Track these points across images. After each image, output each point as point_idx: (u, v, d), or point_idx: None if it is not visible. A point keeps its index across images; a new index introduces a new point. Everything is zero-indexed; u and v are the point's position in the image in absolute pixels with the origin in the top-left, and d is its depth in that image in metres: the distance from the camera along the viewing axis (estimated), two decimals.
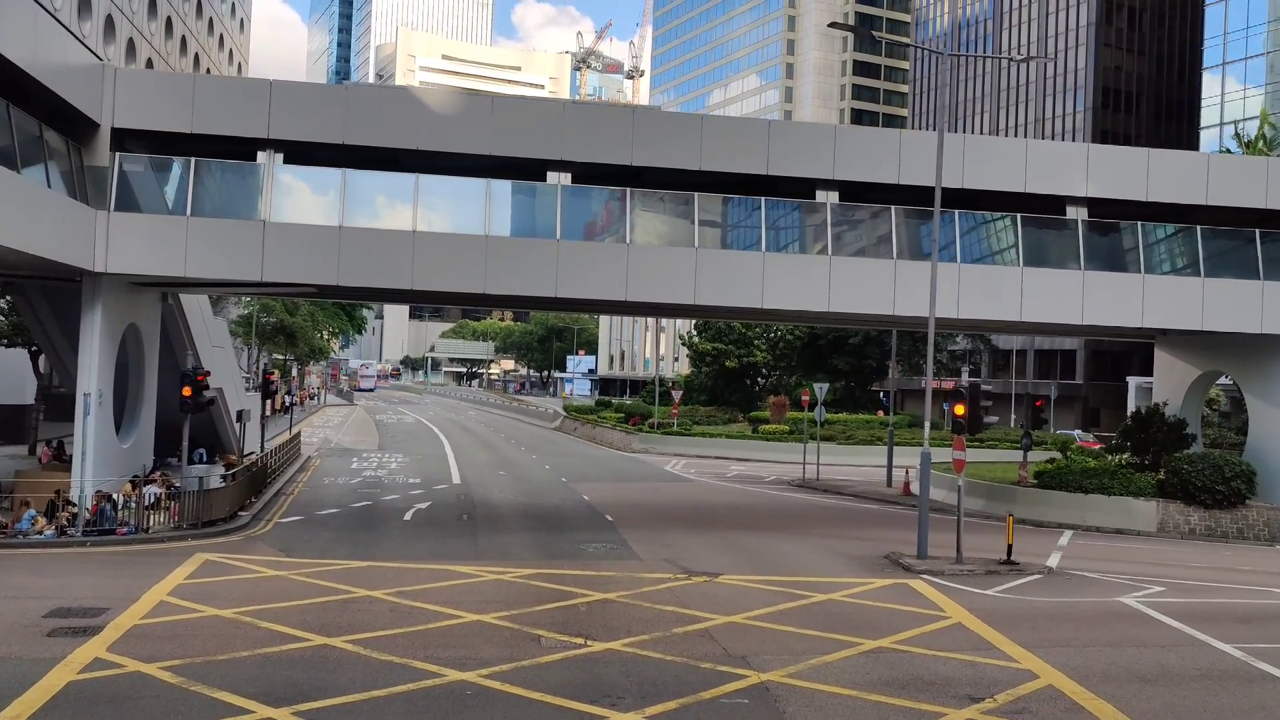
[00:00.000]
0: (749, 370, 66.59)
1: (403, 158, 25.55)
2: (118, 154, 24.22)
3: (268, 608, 16.71)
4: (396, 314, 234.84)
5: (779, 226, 27.76)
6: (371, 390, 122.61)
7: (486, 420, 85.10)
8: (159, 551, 21.46)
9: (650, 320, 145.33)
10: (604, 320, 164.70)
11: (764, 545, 24.76)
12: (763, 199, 27.18)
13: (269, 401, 62.62)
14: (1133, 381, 79.53)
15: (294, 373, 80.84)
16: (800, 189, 27.54)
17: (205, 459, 37.84)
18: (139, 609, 16.27)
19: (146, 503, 24.81)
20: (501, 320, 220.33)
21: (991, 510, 32.18)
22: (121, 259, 23.89)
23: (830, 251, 27.24)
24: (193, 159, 24.65)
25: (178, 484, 28.38)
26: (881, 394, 72.22)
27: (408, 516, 27.92)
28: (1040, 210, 28.47)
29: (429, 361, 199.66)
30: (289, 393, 77.86)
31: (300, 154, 25.23)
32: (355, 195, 25.36)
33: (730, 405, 66.22)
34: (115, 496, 23.38)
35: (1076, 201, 28.47)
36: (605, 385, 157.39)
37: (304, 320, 77.21)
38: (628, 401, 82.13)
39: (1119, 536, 28.55)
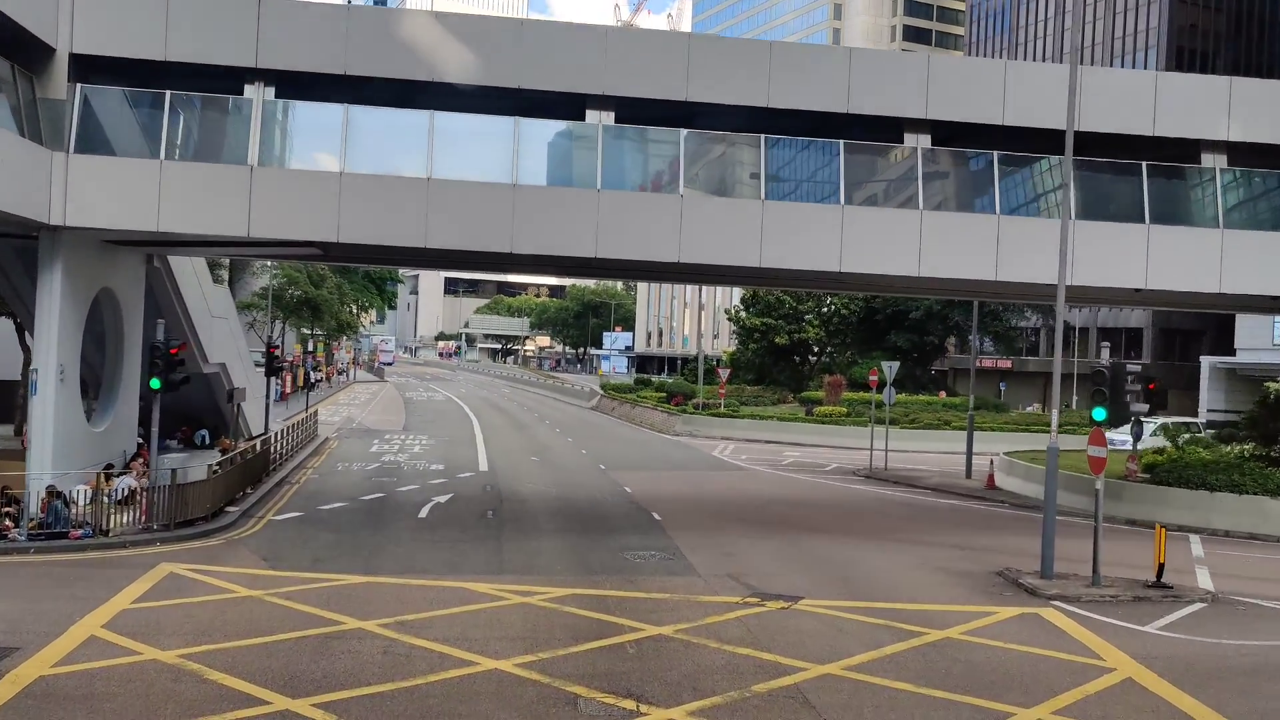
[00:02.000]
0: (799, 347, 62.16)
1: (416, 92, 21.56)
2: (78, 86, 20.43)
3: (226, 648, 12.91)
4: (431, 290, 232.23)
5: (858, 177, 23.46)
6: (390, 364, 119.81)
7: (520, 399, 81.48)
8: (115, 561, 17.77)
9: (690, 295, 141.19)
10: (641, 296, 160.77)
11: (844, 555, 20.66)
12: (840, 142, 22.91)
13: (277, 379, 59.38)
14: (1207, 362, 74.15)
15: (317, 349, 77.54)
16: (884, 131, 23.25)
17: (207, 442, 34.41)
18: (57, 649, 12.53)
19: (118, 497, 21.23)
20: (537, 296, 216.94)
21: (1093, 508, 27.77)
22: (83, 210, 20.13)
23: (921, 206, 22.93)
24: (167, 92, 20.81)
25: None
26: (933, 372, 67.79)
27: (423, 513, 24.11)
28: (1170, 158, 23.96)
29: (463, 338, 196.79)
30: (314, 368, 74.61)
31: (295, 87, 21.33)
32: (359, 136, 21.41)
33: (779, 385, 61.93)
34: (74, 491, 19.73)
35: (1214, 147, 23.91)
36: (642, 362, 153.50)
37: (330, 293, 73.75)
38: (668, 380, 78.08)
39: (1254, 544, 24.13)
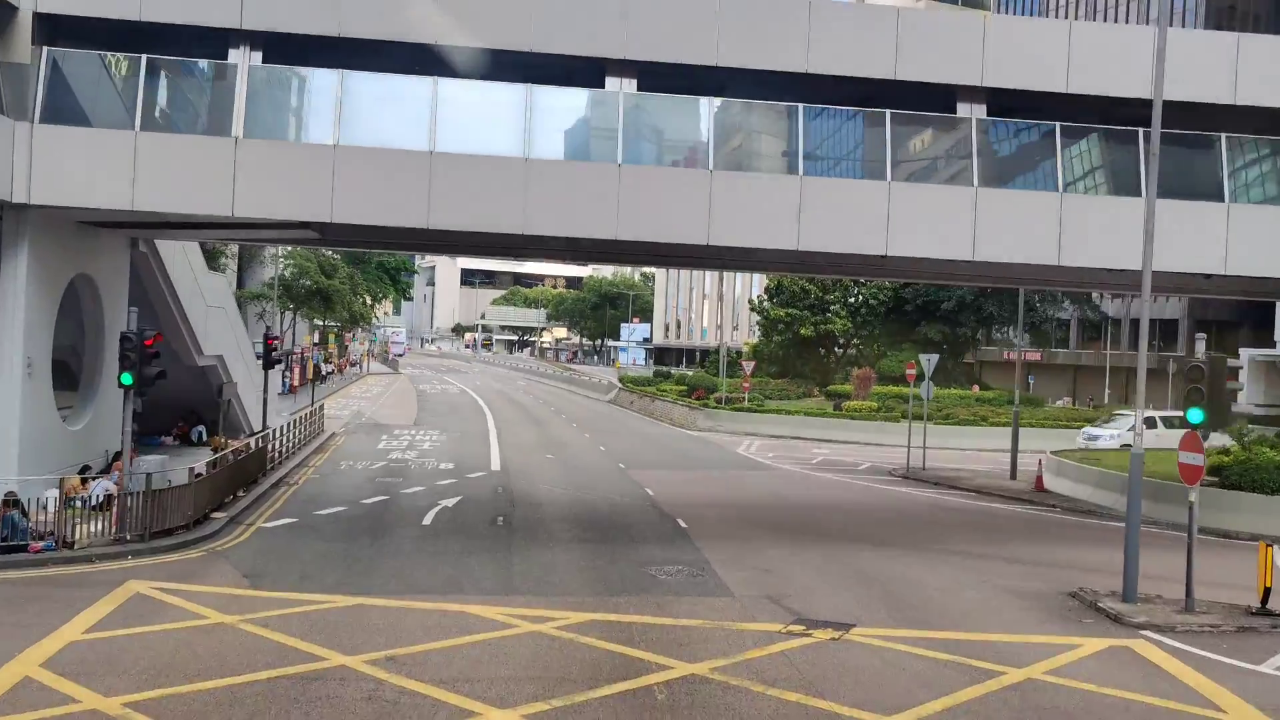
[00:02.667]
0: (825, 339, 59.84)
1: (418, 57, 19.52)
2: (44, 49, 18.48)
3: (184, 692, 10.94)
4: (448, 282, 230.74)
5: (906, 151, 21.27)
6: (401, 356, 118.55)
7: (536, 392, 79.55)
8: (77, 579, 15.84)
9: (709, 286, 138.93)
10: (659, 287, 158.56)
11: (893, 570, 18.53)
12: (887, 112, 20.71)
13: (285, 371, 57.62)
14: (1247, 354, 71.39)
15: (328, 340, 75.79)
16: (935, 100, 21.05)
17: (204, 438, 32.58)
18: None
19: (94, 502, 19.35)
20: (554, 288, 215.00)
21: (1159, 515, 25.56)
22: (50, 186, 18.22)
23: (976, 182, 20.72)
24: (144, 56, 18.82)
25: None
26: (964, 365, 65.26)
27: (428, 520, 22.11)
28: (1255, 130, 21.67)
29: (479, 329, 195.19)
30: (325, 360, 72.90)
31: (284, 51, 19.33)
32: (356, 105, 19.41)
33: (803, 378, 59.73)
34: (40, 498, 17.82)
35: None
36: (660, 354, 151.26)
37: (341, 284, 71.96)
38: (689, 373, 75.96)
39: None
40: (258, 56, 19.16)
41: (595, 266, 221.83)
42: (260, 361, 38.79)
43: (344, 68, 19.19)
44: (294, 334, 69.36)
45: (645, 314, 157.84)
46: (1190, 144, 21.49)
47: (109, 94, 19.03)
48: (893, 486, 31.09)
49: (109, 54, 19.06)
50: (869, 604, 15.91)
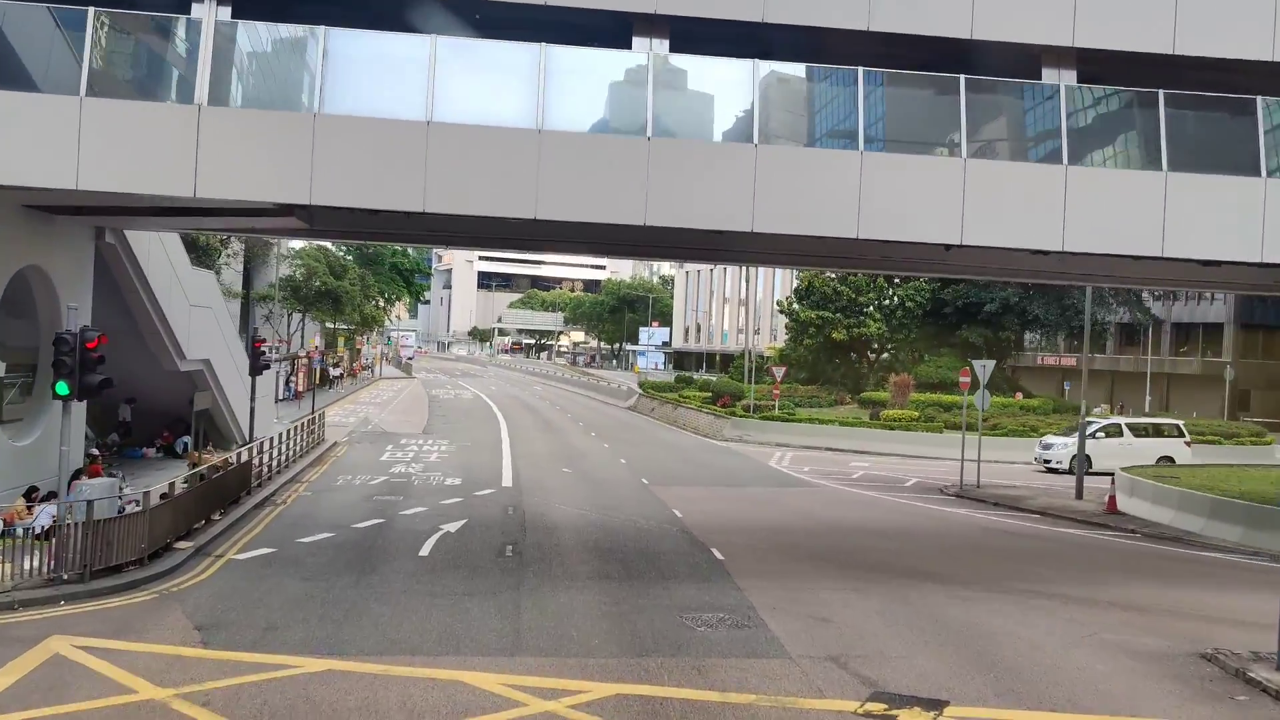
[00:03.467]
0: (858, 343, 56.61)
1: (412, 11, 16.72)
2: None
3: None
4: (464, 285, 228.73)
5: (982, 122, 18.27)
6: (410, 359, 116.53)
7: (553, 397, 76.74)
8: None
9: (730, 288, 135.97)
10: (679, 289, 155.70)
11: (974, 618, 15.50)
12: (961, 78, 17.70)
13: (288, 375, 55.01)
14: None
15: (337, 343, 73.21)
16: (1014, 63, 18.04)
17: (190, 449, 29.88)
18: None
19: (36, 531, 16.57)
20: (571, 291, 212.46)
21: (1257, 543, 22.46)
22: None
23: (1065, 160, 17.68)
24: (90, 9, 16.04)
25: (126, 490, 20.33)
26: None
27: (425, 549, 19.22)
28: None
29: (496, 333, 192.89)
30: (334, 364, 70.42)
31: (256, 4, 16.52)
32: (339, 67, 16.54)
33: (834, 384, 56.59)
34: None
35: None
36: (680, 359, 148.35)
37: (352, 285, 69.38)
38: (712, 378, 73.02)
39: None
40: (226, 11, 16.35)
41: (613, 270, 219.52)
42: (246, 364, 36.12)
43: (325, 22, 16.36)
44: (302, 336, 66.86)
45: (664, 317, 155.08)
46: None
47: (48, 52, 16.25)
48: (947, 507, 27.99)
49: (48, 4, 16.26)
50: (959, 669, 12.89)
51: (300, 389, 53.70)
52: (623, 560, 18.92)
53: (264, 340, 27.42)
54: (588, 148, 16.78)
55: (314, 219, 20.83)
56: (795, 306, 57.28)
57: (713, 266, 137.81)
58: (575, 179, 16.70)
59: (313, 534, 20.32)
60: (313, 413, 39.06)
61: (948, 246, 18.44)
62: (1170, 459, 36.07)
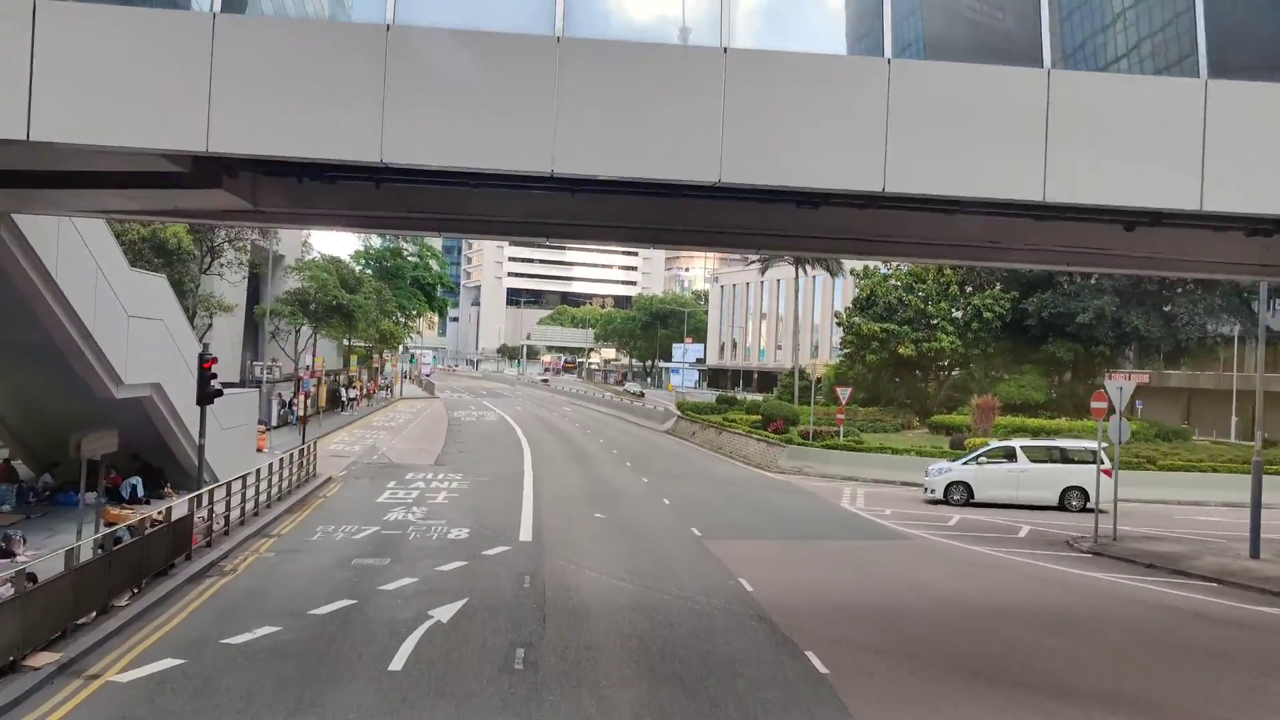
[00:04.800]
0: (927, 360, 50.38)
1: None
2: None
3: None
4: (493, 302, 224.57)
5: (1235, 31, 12.32)
6: (428, 376, 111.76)
7: (583, 419, 71.06)
8: None
9: (769, 303, 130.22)
10: (714, 303, 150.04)
11: None
12: None
13: (290, 399, 49.57)
14: None
15: (353, 362, 67.96)
16: None
17: (139, 494, 24.44)
18: None
19: None
20: (602, 307, 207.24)
21: None
22: None
23: None
24: None
25: (21, 557, 14.96)
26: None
27: (399, 659, 13.39)
28: None
29: (525, 350, 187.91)
30: (347, 384, 65.19)
31: None
32: None
33: (899, 405, 50.44)
34: None
35: None
36: (715, 376, 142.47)
37: (366, 299, 64.09)
38: (754, 398, 67.01)
39: None
40: None
41: (644, 286, 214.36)
42: (235, 390, 30.71)
43: None
44: (313, 355, 61.68)
45: (698, 333, 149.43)
46: None
47: None
48: (1088, 570, 21.80)
49: None
50: None
51: (304, 414, 48.28)
52: (682, 679, 13.02)
53: (213, 360, 21.79)
54: (630, 61, 11.04)
55: (258, 194, 15.29)
56: (856, 319, 51.14)
57: (752, 279, 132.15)
58: (613, 114, 10.99)
59: (250, 628, 14.62)
60: (302, 444, 33.55)
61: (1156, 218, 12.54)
62: (1082, 490, 29.75)
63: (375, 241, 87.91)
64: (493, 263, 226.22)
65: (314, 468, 32.50)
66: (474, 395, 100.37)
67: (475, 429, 57.83)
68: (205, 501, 20.53)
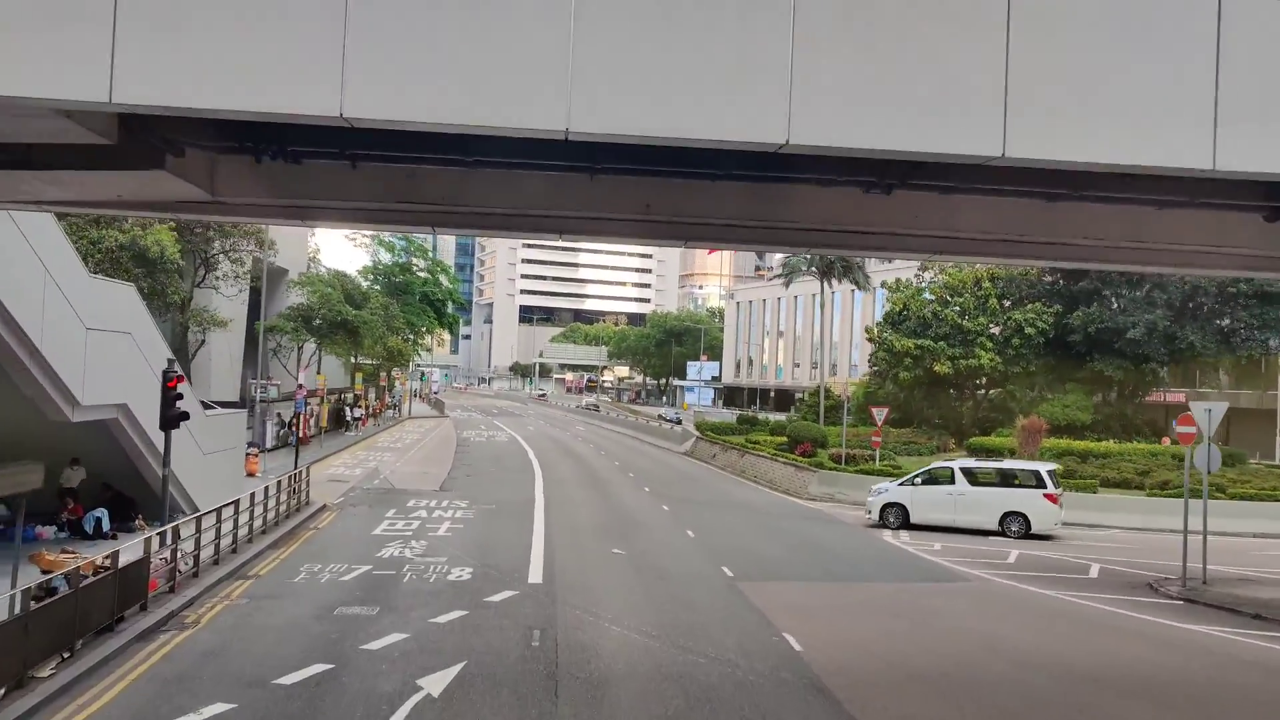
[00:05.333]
0: (964, 378, 47.45)
1: None
2: None
3: None
4: (506, 319, 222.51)
5: None
6: (436, 394, 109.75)
7: (597, 440, 68.37)
8: None
9: (785, 320, 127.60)
10: (729, 320, 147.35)
11: None
12: None
13: (290, 420, 47.03)
14: None
15: (357, 380, 65.48)
16: None
17: (105, 528, 21.86)
18: None
19: None
20: (616, 324, 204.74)
21: None
22: None
23: None
24: None
25: None
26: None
27: None
28: None
29: (537, 368, 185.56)
30: (352, 404, 62.70)
31: None
32: None
33: (933, 426, 47.56)
34: None
35: None
36: (730, 395, 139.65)
37: (372, 315, 61.66)
38: (775, 417, 64.16)
39: None
40: None
41: (658, 304, 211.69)
42: (215, 414, 28.20)
43: None
44: (315, 372, 59.22)
45: (712, 351, 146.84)
46: None
47: None
48: (1181, 622, 18.88)
49: None
50: None
51: (305, 434, 45.69)
52: None
53: (180, 378, 19.17)
54: None
55: (216, 180, 12.80)
56: (888, 335, 48.25)
57: (769, 295, 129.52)
58: (646, 47, 8.32)
59: (197, 707, 11.94)
60: (295, 469, 30.95)
61: None
62: (1023, 516, 27.94)
63: (384, 256, 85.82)
64: (505, 280, 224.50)
65: (307, 495, 29.88)
66: (485, 414, 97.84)
67: (485, 450, 55.18)
68: (169, 539, 17.92)
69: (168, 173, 11.70)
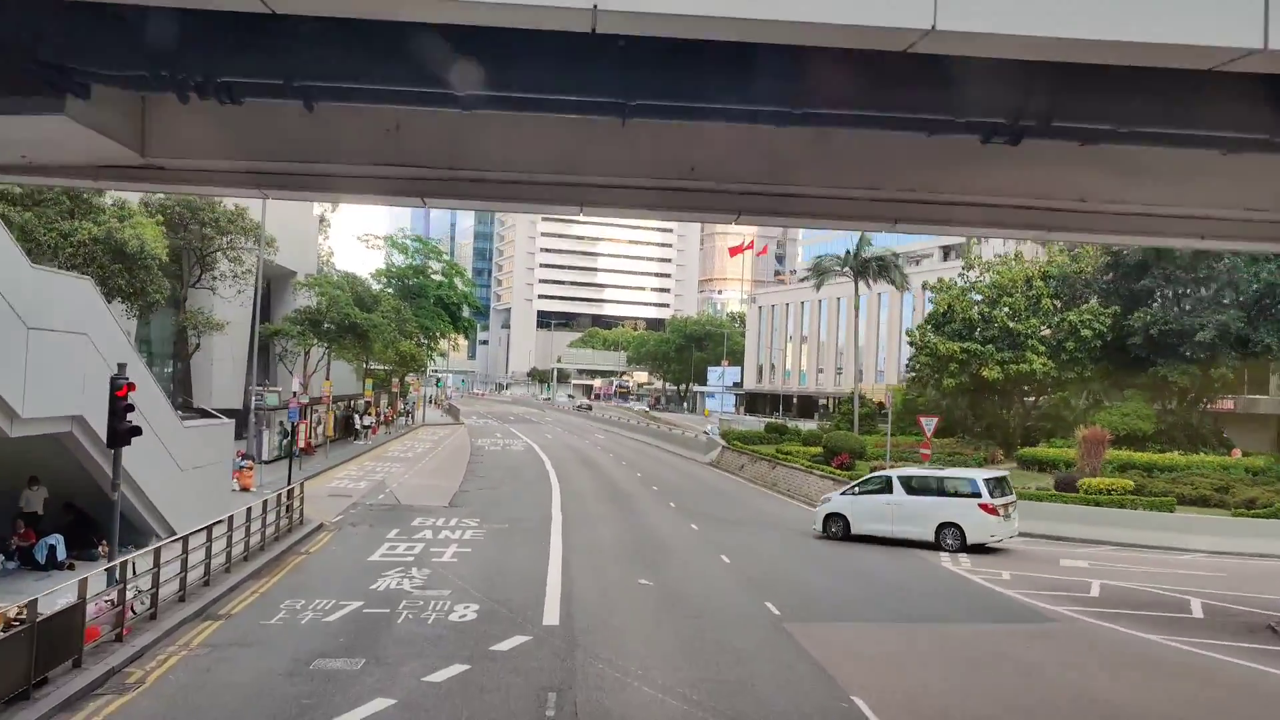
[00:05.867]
0: (1014, 384, 44.13)
1: None
2: None
3: None
4: (523, 324, 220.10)
5: None
6: (448, 400, 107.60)
7: (618, 449, 65.45)
8: None
9: (808, 325, 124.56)
10: (751, 325, 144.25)
11: None
12: None
13: (291, 428, 44.27)
14: None
15: (367, 386, 62.79)
16: None
17: (61, 557, 19.14)
18: None
19: None
20: (634, 329, 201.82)
21: None
22: None
23: None
24: None
25: None
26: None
27: None
28: None
29: (555, 374, 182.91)
30: (362, 412, 60.07)
31: None
32: None
33: (979, 436, 44.38)
34: None
35: None
36: (752, 401, 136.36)
37: (383, 318, 58.90)
38: (812, 427, 61.11)
39: None
40: None
41: (677, 309, 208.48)
42: (193, 424, 25.54)
43: None
44: (321, 378, 56.58)
45: (733, 356, 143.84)
46: None
47: None
48: None
49: None
50: None
51: (307, 444, 43.03)
52: None
53: (130, 385, 16.35)
54: None
55: (147, 136, 10.04)
56: (931, 338, 44.91)
57: (791, 299, 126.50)
58: None
59: None
60: (288, 484, 28.20)
61: None
62: (957, 528, 26.08)
63: (398, 259, 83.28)
64: (523, 284, 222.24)
65: (300, 514, 27.11)
66: (501, 421, 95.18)
67: (500, 461, 52.36)
68: (118, 576, 15.14)
69: (73, 121, 8.98)
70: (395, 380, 74.84)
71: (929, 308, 49.21)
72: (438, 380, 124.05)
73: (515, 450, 60.36)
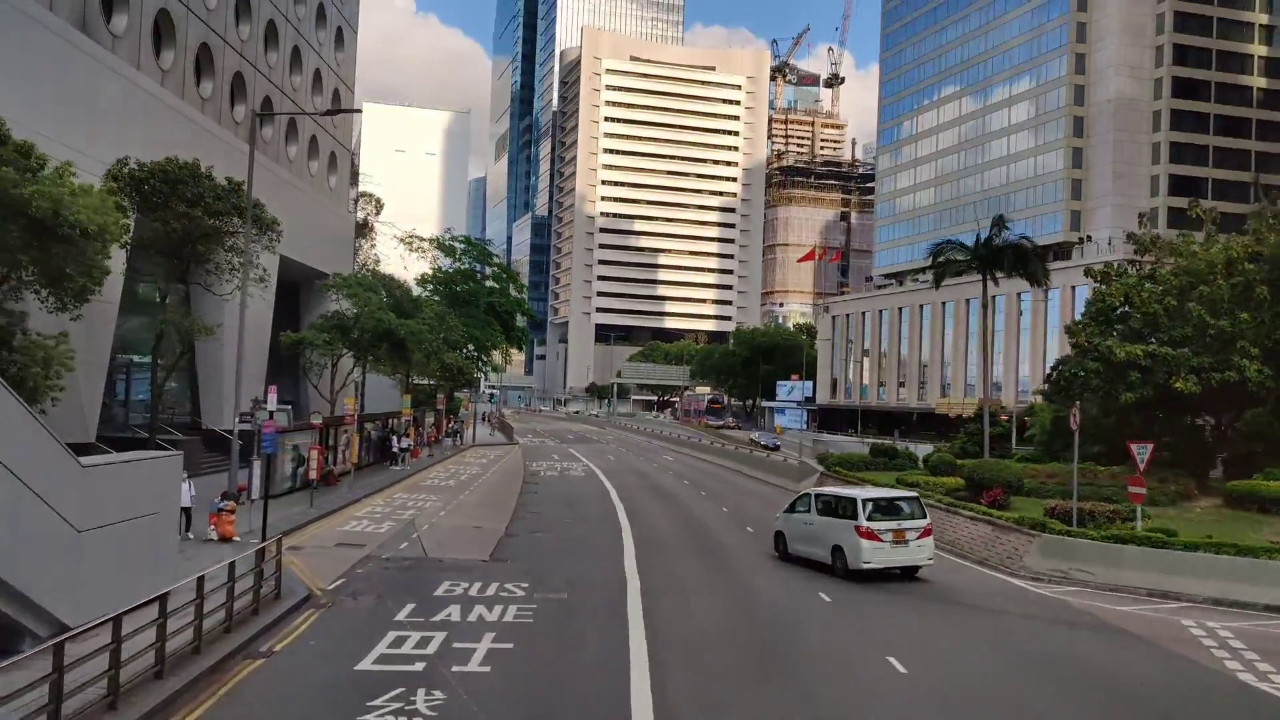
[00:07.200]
0: (1212, 397, 34.67)
1: None
2: None
3: None
4: (581, 338, 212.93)
5: None
6: (486, 418, 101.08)
7: (691, 474, 57.11)
8: None
9: (886, 338, 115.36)
10: (824, 335, 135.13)
11: None
12: None
13: (303, 454, 36.67)
14: None
15: (406, 404, 55.31)
16: None
17: None
18: None
19: None
20: (696, 342, 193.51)
21: None
22: None
23: None
24: None
25: None
26: None
27: None
28: None
29: (615, 388, 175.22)
30: (399, 434, 52.54)
31: None
32: None
33: (1163, 464, 35.17)
34: None
35: None
36: (825, 416, 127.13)
37: (422, 325, 51.41)
38: (924, 449, 52.14)
39: None
40: None
41: (739, 321, 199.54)
42: (108, 456, 17.78)
43: None
44: (352, 394, 49.17)
45: (801, 369, 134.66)
46: None
47: None
48: None
49: None
50: None
51: (316, 473, 35.30)
52: None
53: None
54: None
55: None
56: (1099, 340, 35.43)
57: (868, 307, 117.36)
58: None
59: None
60: (262, 541, 20.36)
61: None
62: (840, 550, 24.02)
63: (443, 261, 76.17)
64: (580, 298, 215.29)
65: (277, 585, 19.23)
66: (559, 440, 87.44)
67: (556, 491, 44.35)
68: None
69: None
70: (441, 396, 67.42)
71: (1079, 308, 40.06)
72: (491, 396, 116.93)
73: (575, 476, 52.36)
